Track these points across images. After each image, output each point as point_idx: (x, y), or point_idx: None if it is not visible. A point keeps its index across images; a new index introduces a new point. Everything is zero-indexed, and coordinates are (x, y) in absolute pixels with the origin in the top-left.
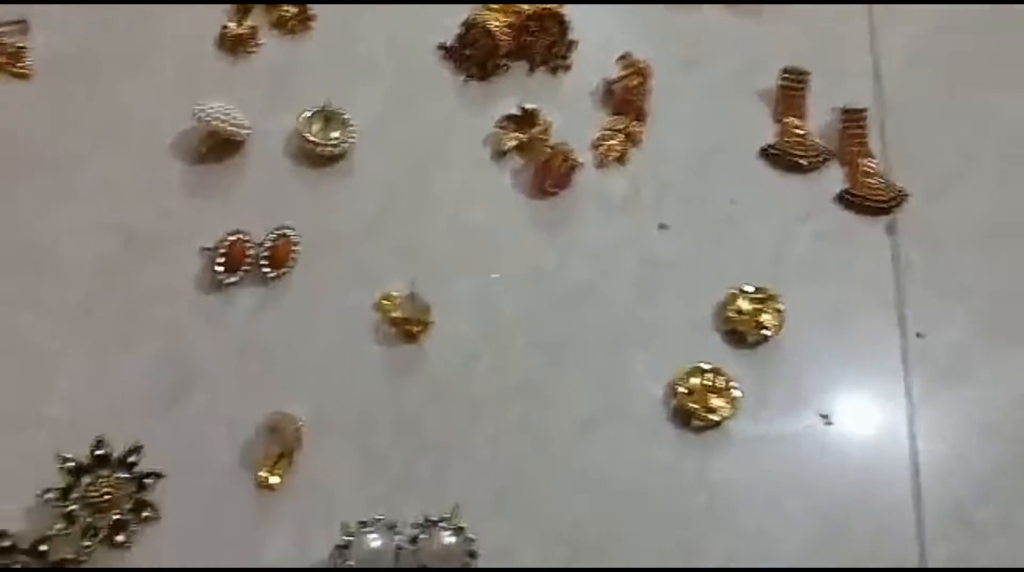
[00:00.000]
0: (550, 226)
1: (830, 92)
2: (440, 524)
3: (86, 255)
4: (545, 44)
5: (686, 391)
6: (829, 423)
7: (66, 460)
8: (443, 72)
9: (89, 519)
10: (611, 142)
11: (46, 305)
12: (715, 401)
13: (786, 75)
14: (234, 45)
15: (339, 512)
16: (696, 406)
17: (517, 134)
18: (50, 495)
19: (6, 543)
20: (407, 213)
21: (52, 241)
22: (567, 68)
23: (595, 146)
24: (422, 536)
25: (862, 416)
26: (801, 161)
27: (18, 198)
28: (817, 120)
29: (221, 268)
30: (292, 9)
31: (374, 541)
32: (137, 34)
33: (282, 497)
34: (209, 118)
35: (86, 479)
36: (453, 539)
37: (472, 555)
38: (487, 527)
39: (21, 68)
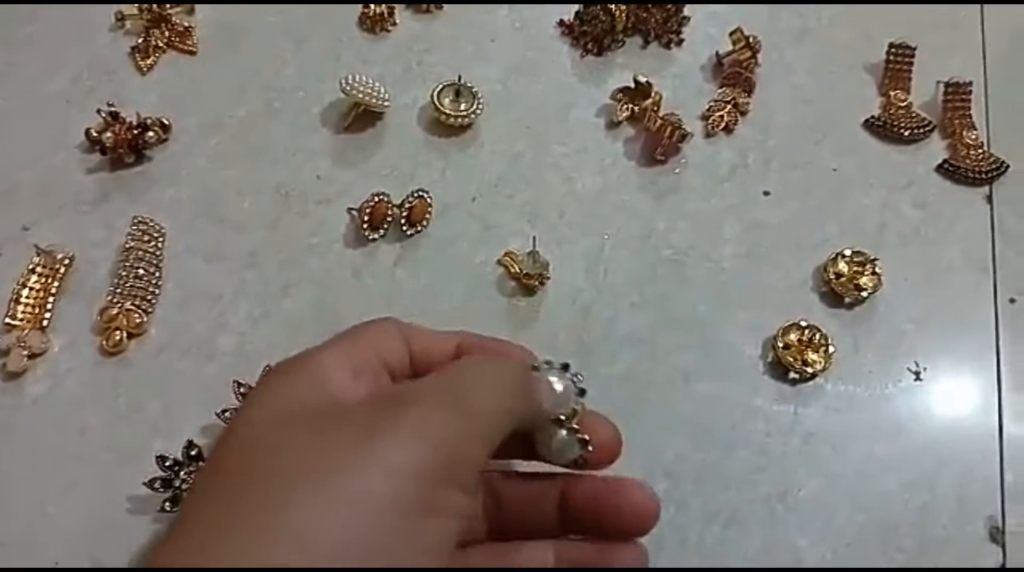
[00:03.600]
0: (659, 192)
1: (936, 66)
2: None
3: (254, 212)
4: (659, 19)
5: (783, 346)
6: (919, 379)
7: (240, 385)
8: (562, 47)
9: None
10: (719, 113)
11: (222, 255)
12: (811, 356)
13: (893, 49)
14: (373, 24)
15: None
16: (793, 360)
17: (630, 105)
18: (227, 415)
19: (194, 451)
20: (528, 178)
21: (226, 198)
22: (680, 43)
23: (704, 117)
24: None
25: (952, 374)
26: (904, 132)
27: (197, 160)
28: (922, 93)
29: (365, 226)
30: None
31: None
32: (286, 15)
33: None
34: (354, 90)
35: None
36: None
37: (582, 393)
38: None
39: (189, 45)
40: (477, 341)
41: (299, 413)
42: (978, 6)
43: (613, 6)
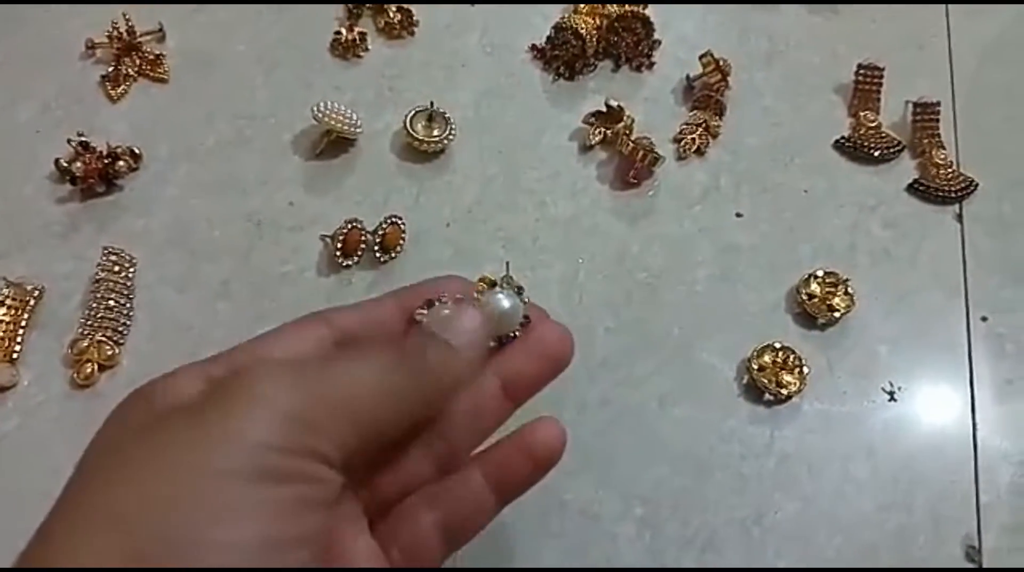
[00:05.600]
0: (632, 215)
1: (905, 86)
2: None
3: (225, 241)
4: (630, 43)
5: (758, 368)
6: (893, 400)
7: None
8: (534, 71)
9: None
10: (691, 136)
11: (194, 284)
12: (785, 377)
13: (861, 71)
14: (345, 50)
15: None
16: (767, 382)
17: (602, 129)
18: None
19: None
20: (501, 203)
21: (198, 227)
22: (651, 66)
23: (676, 140)
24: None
25: (925, 394)
26: (874, 152)
27: (168, 189)
28: (891, 114)
29: (339, 253)
30: (397, 16)
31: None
32: (257, 42)
33: None
34: (326, 117)
35: None
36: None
37: (520, 290)
38: (573, 484)
39: (160, 73)
40: (414, 288)
41: (137, 426)
42: (945, 27)
43: (583, 31)
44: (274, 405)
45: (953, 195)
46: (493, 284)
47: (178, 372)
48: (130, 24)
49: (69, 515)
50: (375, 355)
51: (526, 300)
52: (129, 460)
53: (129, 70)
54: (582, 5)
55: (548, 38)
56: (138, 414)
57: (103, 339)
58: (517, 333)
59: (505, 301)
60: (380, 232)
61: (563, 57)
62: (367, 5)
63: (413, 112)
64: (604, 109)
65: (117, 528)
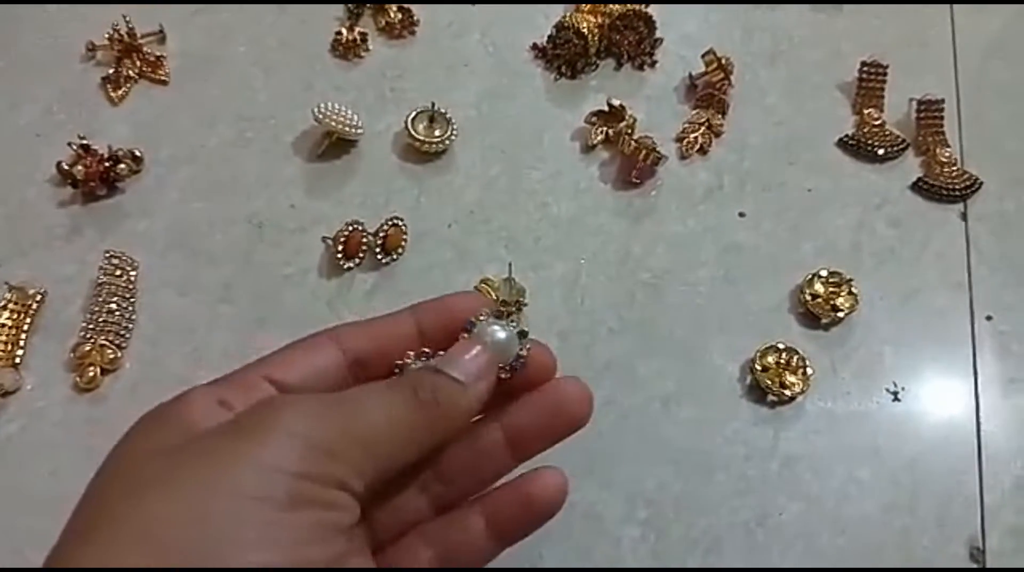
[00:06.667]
0: (635, 215)
1: (909, 84)
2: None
3: (227, 243)
4: (632, 42)
5: (761, 368)
6: (897, 400)
7: None
8: (536, 70)
9: None
10: (694, 135)
11: (196, 287)
12: (789, 378)
13: (865, 68)
14: (346, 51)
15: None
16: (771, 382)
17: (604, 128)
18: None
19: None
20: (503, 203)
21: (199, 230)
22: (653, 64)
23: (678, 139)
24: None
25: (929, 393)
26: (878, 150)
27: (170, 191)
28: (895, 111)
29: (340, 255)
30: (398, 15)
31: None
32: (257, 43)
33: None
34: (327, 118)
35: None
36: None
37: (524, 334)
38: (576, 485)
39: (161, 75)
40: (432, 304)
41: (160, 448)
42: (949, 25)
43: (585, 29)
44: (299, 435)
45: (958, 193)
46: (500, 315)
47: (190, 394)
48: (130, 26)
49: (102, 526)
50: (388, 391)
51: (528, 346)
52: (160, 478)
53: (130, 72)
54: (584, 4)
55: (550, 37)
56: (160, 435)
57: (105, 343)
58: (514, 366)
59: (500, 332)
60: (381, 234)
61: (565, 56)
62: (367, 5)
63: (414, 113)
64: (606, 108)
65: (151, 543)
